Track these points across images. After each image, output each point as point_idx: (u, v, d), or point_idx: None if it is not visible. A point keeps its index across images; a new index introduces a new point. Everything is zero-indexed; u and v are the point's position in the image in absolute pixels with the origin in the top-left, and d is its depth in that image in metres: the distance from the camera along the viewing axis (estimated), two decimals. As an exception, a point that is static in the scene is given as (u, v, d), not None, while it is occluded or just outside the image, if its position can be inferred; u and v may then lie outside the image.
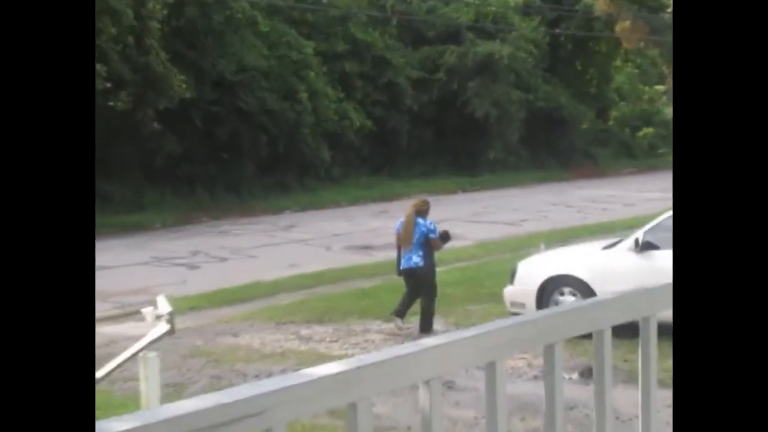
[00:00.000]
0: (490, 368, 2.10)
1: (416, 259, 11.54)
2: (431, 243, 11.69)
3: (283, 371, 9.54)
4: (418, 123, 36.87)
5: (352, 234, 22.09)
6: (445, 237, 11.90)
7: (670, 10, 46.23)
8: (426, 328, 11.37)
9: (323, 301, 13.53)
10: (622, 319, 2.50)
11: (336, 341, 11.01)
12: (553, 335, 2.25)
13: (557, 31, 42.54)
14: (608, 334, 2.42)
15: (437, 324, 11.72)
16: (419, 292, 11.56)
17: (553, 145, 41.39)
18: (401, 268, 11.70)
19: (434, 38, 38.42)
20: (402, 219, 11.90)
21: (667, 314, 2.66)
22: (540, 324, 2.25)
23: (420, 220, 11.72)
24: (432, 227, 11.76)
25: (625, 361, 8.78)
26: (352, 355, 10.19)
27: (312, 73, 31.80)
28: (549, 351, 2.26)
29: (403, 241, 11.71)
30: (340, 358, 10.02)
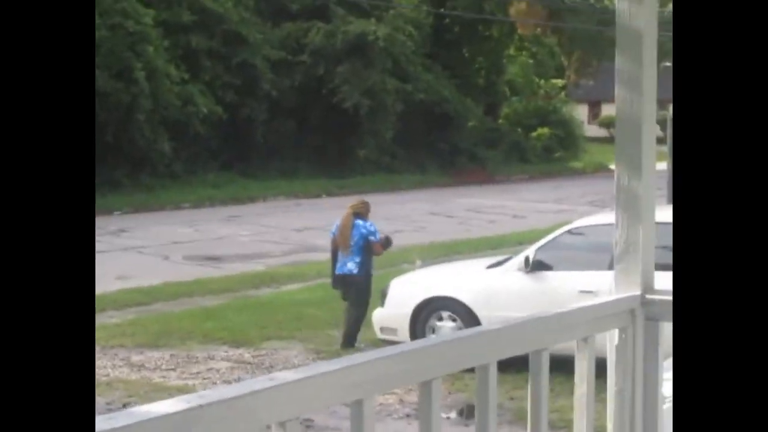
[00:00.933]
0: (357, 407, 2.13)
1: (351, 266, 12.09)
2: (372, 247, 12.21)
3: (109, 404, 9.40)
4: (277, 112, 36.80)
5: (196, 242, 21.89)
6: (387, 242, 12.47)
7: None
8: (349, 342, 11.63)
9: (159, 321, 13.39)
10: (510, 352, 2.58)
11: (173, 369, 10.91)
12: (431, 370, 2.30)
13: (442, 11, 43.09)
14: (494, 369, 2.49)
15: (294, 351, 11.75)
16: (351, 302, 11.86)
17: (433, 144, 41.87)
18: (335, 275, 12.28)
19: (298, 13, 38.43)
20: (338, 221, 12.46)
21: (565, 346, 2.76)
22: (416, 357, 2.30)
23: (359, 222, 12.25)
24: (372, 229, 12.28)
25: (511, 398, 8.99)
26: (192, 387, 10.12)
27: (151, 48, 31.37)
28: (426, 388, 2.30)
29: (340, 245, 12.26)
30: (178, 389, 9.94)
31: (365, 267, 12.18)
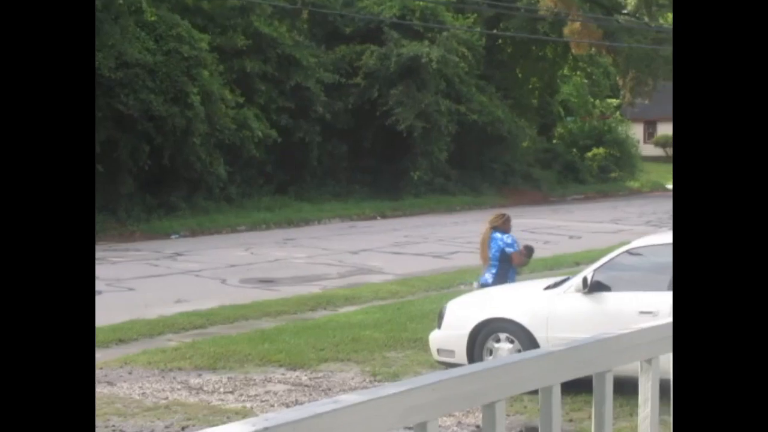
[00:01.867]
0: (420, 429, 2.13)
1: (487, 276, 12.78)
2: (510, 258, 12.84)
3: (168, 427, 9.45)
4: (330, 135, 36.97)
5: (252, 265, 21.99)
6: (528, 251, 13.23)
7: (626, 10, 47.25)
8: None
9: (216, 344, 13.45)
10: (573, 374, 2.57)
11: (231, 392, 10.94)
12: (494, 392, 2.30)
13: (495, 32, 43.10)
14: (557, 391, 2.48)
15: (350, 373, 11.74)
16: None
17: (487, 165, 41.85)
18: (479, 285, 12.94)
19: (352, 36, 38.64)
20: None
21: (623, 368, 2.73)
22: (479, 379, 2.30)
23: (497, 235, 13.00)
24: (509, 241, 12.94)
25: (571, 420, 8.92)
26: (250, 410, 10.16)
27: (206, 73, 31.68)
28: (489, 410, 2.30)
29: (481, 258, 13.18)
30: (236, 412, 9.98)
31: (501, 277, 12.70)
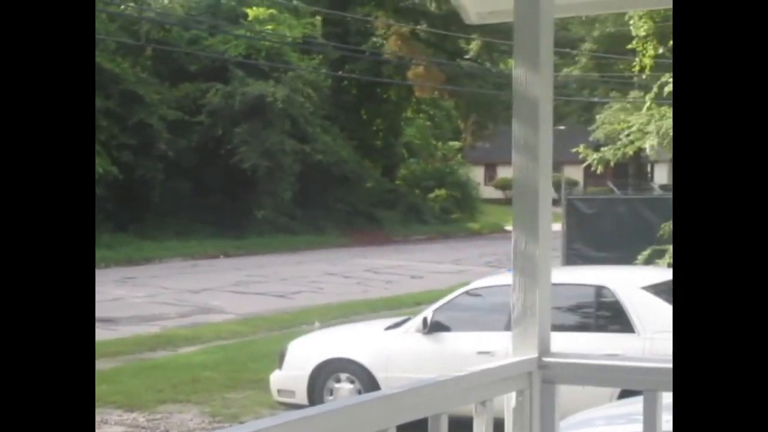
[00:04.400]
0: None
1: None
2: None
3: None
4: (173, 173, 36.54)
5: (89, 304, 21.50)
6: None
7: (468, 56, 48.20)
8: None
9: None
10: (409, 416, 2.58)
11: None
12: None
13: (341, 73, 43.40)
14: (393, 433, 2.48)
15: (189, 414, 11.57)
16: None
17: (332, 205, 41.96)
18: None
19: (197, 74, 38.37)
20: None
21: (462, 409, 2.76)
22: (315, 422, 2.29)
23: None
24: None
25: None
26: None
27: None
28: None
29: None
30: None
31: None
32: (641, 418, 2.97)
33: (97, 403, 12.05)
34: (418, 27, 45.85)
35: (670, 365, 3.00)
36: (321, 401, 10.98)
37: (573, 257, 22.19)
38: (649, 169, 60.78)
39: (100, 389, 12.76)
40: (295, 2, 42.04)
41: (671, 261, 16.09)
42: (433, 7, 45.90)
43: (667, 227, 17.31)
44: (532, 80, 3.01)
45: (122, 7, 34.95)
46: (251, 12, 39.31)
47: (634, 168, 52.83)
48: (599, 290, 10.76)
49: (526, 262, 3.03)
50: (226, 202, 38.12)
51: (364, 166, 43.60)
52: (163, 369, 14.28)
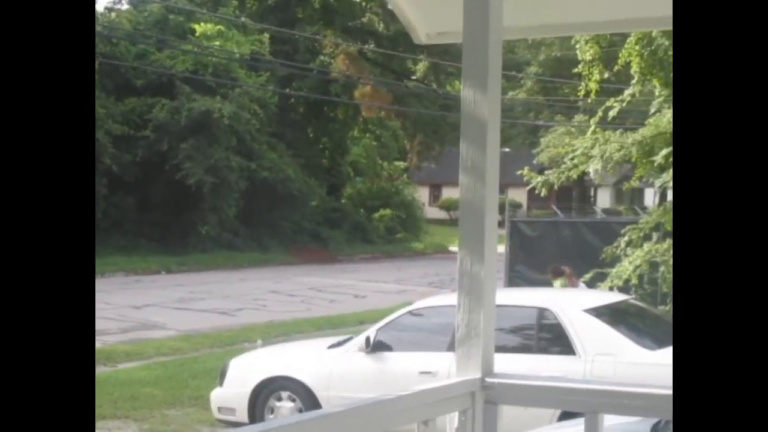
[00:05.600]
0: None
1: None
2: None
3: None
4: (117, 187, 36.24)
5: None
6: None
7: (415, 77, 48.41)
8: None
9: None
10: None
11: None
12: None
13: (288, 91, 43.36)
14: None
15: (128, 430, 11.44)
16: None
17: (276, 223, 41.83)
18: None
19: (143, 88, 38.12)
20: None
21: (404, 428, 2.75)
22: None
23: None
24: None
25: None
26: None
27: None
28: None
29: None
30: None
31: None
32: (582, 439, 2.98)
33: (34, 419, 11.91)
34: (366, 47, 45.99)
35: (612, 387, 3.03)
36: (262, 419, 10.93)
37: (516, 279, 22.30)
38: (592, 192, 61.39)
39: None
40: (243, 19, 41.99)
41: (612, 284, 16.23)
42: (381, 27, 46.10)
43: (610, 251, 17.43)
44: (480, 101, 3.02)
45: (69, 19, 34.67)
46: (199, 28, 39.20)
47: (578, 191, 53.36)
48: (541, 312, 10.81)
49: (472, 282, 3.03)
50: (170, 218, 37.86)
51: (309, 185, 43.51)
52: (102, 385, 14.11)
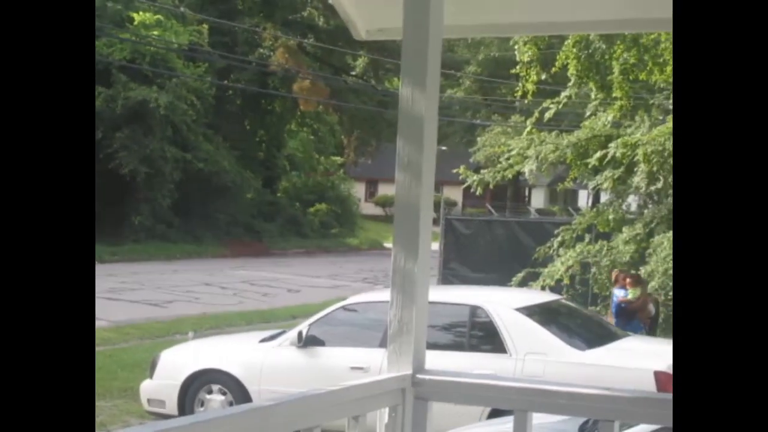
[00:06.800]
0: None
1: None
2: (627, 311, 13.80)
3: None
4: (50, 175, 35.84)
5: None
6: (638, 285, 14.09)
7: (354, 72, 48.37)
8: None
9: None
10: (281, 430, 2.56)
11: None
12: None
13: (226, 82, 43.14)
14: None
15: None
16: None
17: (211, 214, 41.59)
18: None
19: (79, 76, 37.71)
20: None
21: (332, 423, 2.75)
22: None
23: (615, 290, 14.11)
24: (621, 295, 13.88)
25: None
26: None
27: None
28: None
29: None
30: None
31: (623, 327, 12.95)
32: (511, 437, 3.00)
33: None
34: (306, 41, 45.86)
35: (541, 386, 3.06)
36: (191, 412, 10.87)
37: (449, 277, 22.40)
38: (526, 192, 61.81)
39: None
40: (182, 9, 41.65)
41: (544, 284, 16.38)
42: (321, 21, 45.98)
43: (542, 250, 17.59)
44: (419, 99, 3.03)
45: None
46: (137, 16, 38.81)
47: (513, 191, 53.70)
48: (474, 310, 10.86)
49: (405, 279, 3.04)
50: (103, 207, 37.41)
51: (245, 177, 43.30)
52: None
